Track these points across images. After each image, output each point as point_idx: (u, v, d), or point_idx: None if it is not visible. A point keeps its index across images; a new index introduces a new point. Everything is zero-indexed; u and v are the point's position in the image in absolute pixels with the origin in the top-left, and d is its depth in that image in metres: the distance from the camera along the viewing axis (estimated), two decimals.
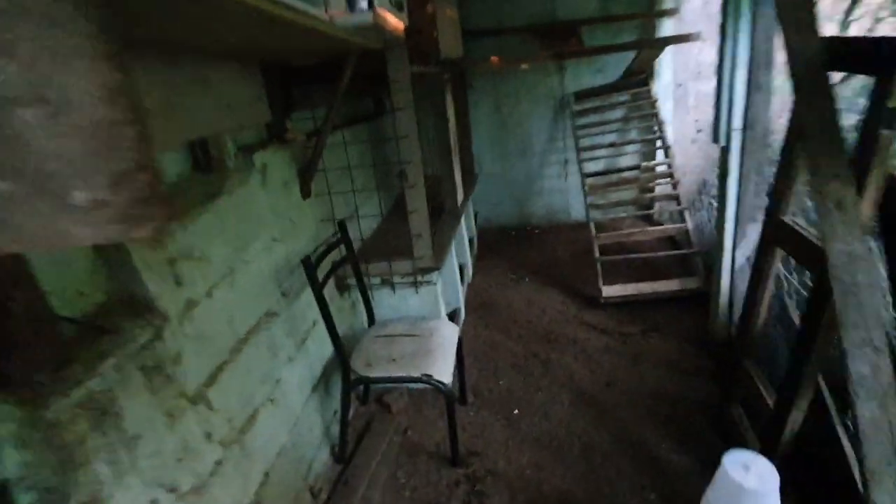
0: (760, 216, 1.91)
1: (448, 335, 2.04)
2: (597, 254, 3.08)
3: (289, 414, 1.76)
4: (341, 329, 2.15)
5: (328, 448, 2.01)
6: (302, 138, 2.02)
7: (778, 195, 1.64)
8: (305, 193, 2.05)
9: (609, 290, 2.96)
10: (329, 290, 2.16)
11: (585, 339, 2.67)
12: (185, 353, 1.25)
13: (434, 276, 2.25)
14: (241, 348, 1.51)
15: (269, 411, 1.62)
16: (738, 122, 2.02)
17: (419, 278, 2.25)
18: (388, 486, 1.88)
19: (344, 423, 1.97)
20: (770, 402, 1.66)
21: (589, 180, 3.44)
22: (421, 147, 2.06)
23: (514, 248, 4.03)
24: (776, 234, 1.66)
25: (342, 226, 2.04)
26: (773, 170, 1.75)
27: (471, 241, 3.83)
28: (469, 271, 3.50)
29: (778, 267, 1.80)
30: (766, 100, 1.98)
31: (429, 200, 2.13)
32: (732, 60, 1.95)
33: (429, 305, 2.31)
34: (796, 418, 1.47)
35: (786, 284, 1.97)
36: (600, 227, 3.27)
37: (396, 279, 2.26)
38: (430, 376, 1.77)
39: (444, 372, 1.82)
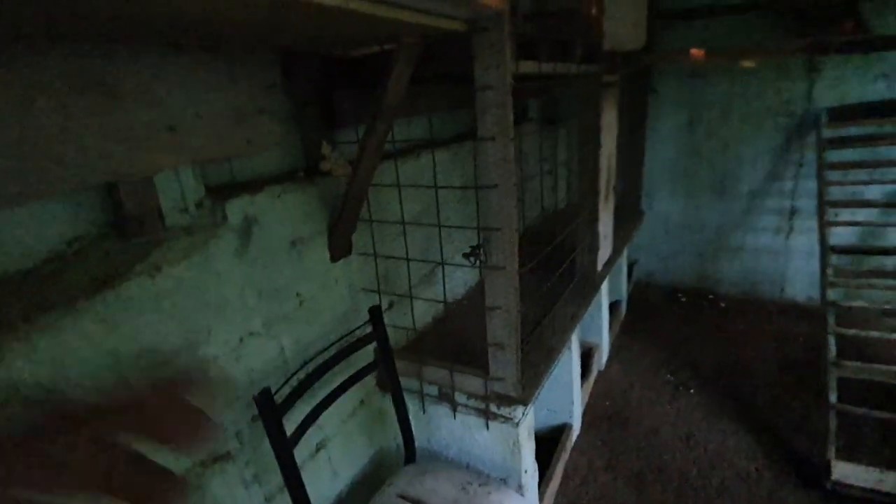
0: None
1: None
2: (832, 396, 1.78)
3: None
4: (369, 447, 1.45)
5: None
6: (347, 171, 1.32)
7: None
8: (336, 253, 1.36)
9: (845, 471, 1.67)
10: (358, 391, 1.46)
11: None
12: None
13: (517, 411, 1.37)
14: None
15: None
16: None
17: (492, 408, 1.40)
18: None
19: None
20: None
21: (835, 258, 2.08)
22: (549, 177, 1.18)
23: (681, 326, 2.81)
24: None
25: (375, 313, 1.29)
26: None
27: (614, 306, 2.75)
28: (602, 355, 2.46)
29: None
30: None
31: (548, 259, 1.26)
32: None
33: (502, 452, 1.44)
34: None
35: None
36: (846, 322, 1.90)
37: (460, 398, 1.44)
38: None
39: None
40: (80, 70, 0.78)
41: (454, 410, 1.46)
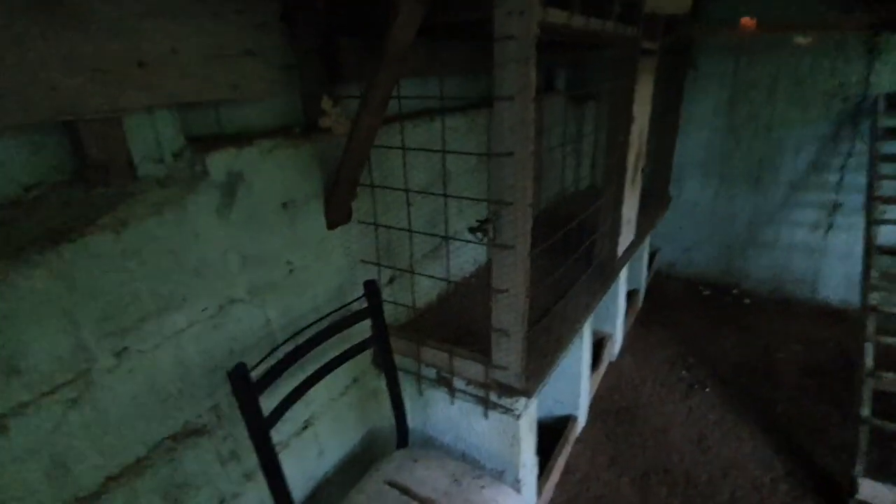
0: None
1: None
2: (865, 409, 1.63)
3: None
4: (360, 427, 1.38)
5: None
6: (349, 129, 1.20)
7: None
8: (333, 220, 1.25)
9: (872, 490, 1.54)
10: (352, 368, 1.37)
11: None
12: None
13: (518, 403, 1.27)
14: None
15: None
16: None
17: (493, 397, 1.29)
18: None
19: None
20: None
21: (884, 259, 1.90)
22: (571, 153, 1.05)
23: (701, 321, 2.66)
24: None
25: (371, 288, 1.19)
26: None
27: (631, 294, 2.61)
28: (615, 345, 2.34)
29: None
30: None
31: (565, 241, 1.14)
32: None
33: (500, 443, 1.35)
34: None
35: None
36: (887, 329, 1.73)
37: (458, 383, 1.34)
38: None
39: None
40: None
41: (452, 396, 1.37)
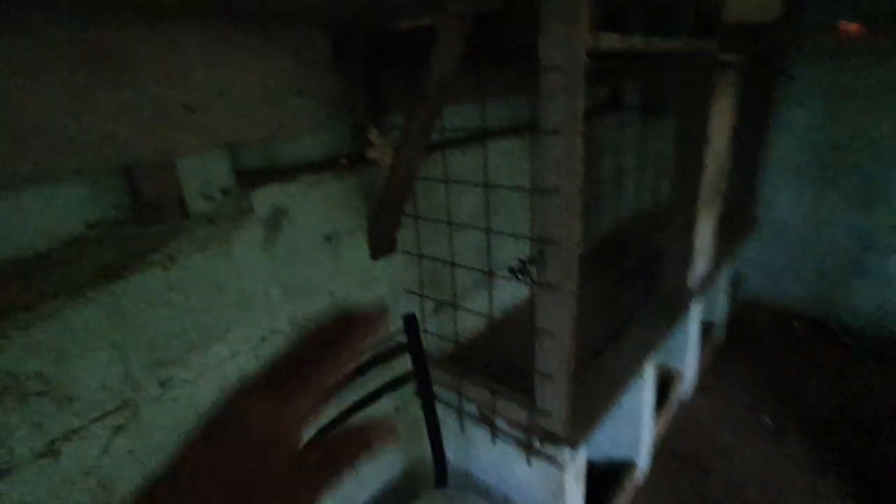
0: None
1: None
2: None
3: None
4: (402, 458, 1.36)
5: None
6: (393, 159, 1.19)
7: None
8: (377, 250, 1.24)
9: None
10: (395, 396, 1.35)
11: None
12: None
13: (563, 453, 1.18)
14: None
15: None
16: None
17: (535, 444, 1.21)
18: None
19: None
20: None
21: None
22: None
23: (790, 361, 2.37)
24: None
25: (410, 322, 1.16)
26: None
27: (708, 327, 2.38)
28: (686, 384, 2.14)
29: None
30: None
31: (628, 269, 1.05)
32: None
33: (543, 493, 1.26)
34: None
35: None
36: None
37: (501, 424, 1.28)
38: None
39: None
40: (87, 41, 0.71)
41: (494, 436, 1.30)
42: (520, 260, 0.96)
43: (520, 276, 0.95)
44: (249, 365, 1.04)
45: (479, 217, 1.39)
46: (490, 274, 1.14)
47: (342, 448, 0.26)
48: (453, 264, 1.21)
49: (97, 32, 0.72)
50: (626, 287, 1.80)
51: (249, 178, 1.01)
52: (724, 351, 2.44)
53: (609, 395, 1.27)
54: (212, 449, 0.23)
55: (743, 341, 2.50)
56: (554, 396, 1.11)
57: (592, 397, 1.25)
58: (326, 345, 0.27)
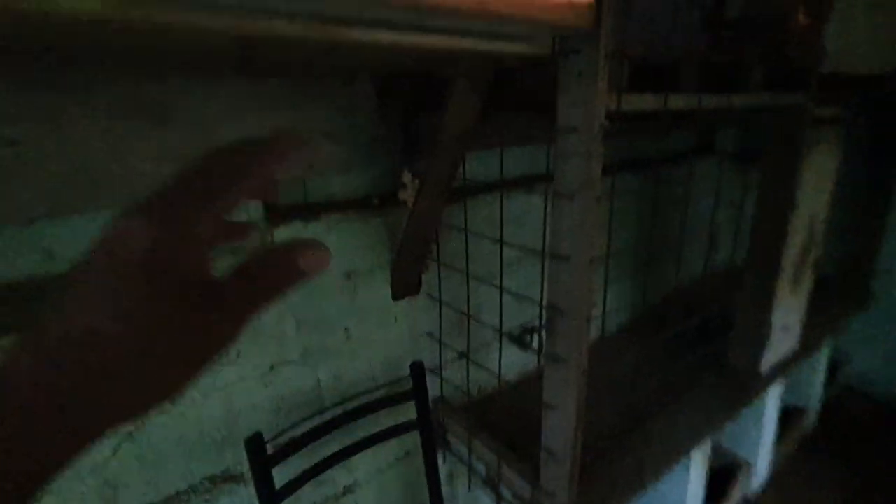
0: None
1: None
2: None
3: None
4: None
5: None
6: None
7: None
8: (398, 291, 1.24)
9: None
10: (403, 441, 1.33)
11: None
12: None
13: None
14: None
15: None
16: None
17: None
18: None
19: None
20: None
21: None
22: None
23: (894, 462, 1.95)
24: None
25: (416, 370, 1.14)
26: None
27: (795, 413, 2.05)
28: (755, 477, 1.85)
29: None
30: None
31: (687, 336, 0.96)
32: None
33: None
34: None
35: None
36: None
37: (505, 493, 1.19)
38: None
39: None
40: (129, 95, 0.81)
41: (499, 500, 1.22)
42: (522, 327, 0.89)
43: (521, 345, 0.89)
44: (257, 390, 1.08)
45: (510, 267, 1.34)
46: (501, 334, 1.08)
47: (265, 274, 0.24)
48: (469, 316, 1.16)
49: (140, 87, 0.81)
50: (683, 355, 1.61)
51: (280, 212, 1.07)
52: (812, 442, 2.08)
53: (631, 487, 1.13)
54: (89, 278, 0.21)
55: (838, 433, 2.11)
56: (558, 477, 1.02)
57: (609, 481, 1.13)
58: (233, 167, 0.24)
